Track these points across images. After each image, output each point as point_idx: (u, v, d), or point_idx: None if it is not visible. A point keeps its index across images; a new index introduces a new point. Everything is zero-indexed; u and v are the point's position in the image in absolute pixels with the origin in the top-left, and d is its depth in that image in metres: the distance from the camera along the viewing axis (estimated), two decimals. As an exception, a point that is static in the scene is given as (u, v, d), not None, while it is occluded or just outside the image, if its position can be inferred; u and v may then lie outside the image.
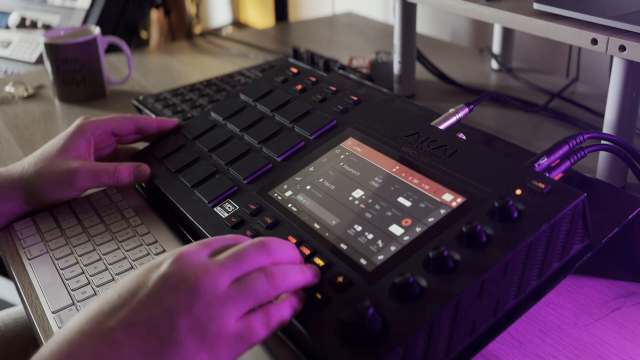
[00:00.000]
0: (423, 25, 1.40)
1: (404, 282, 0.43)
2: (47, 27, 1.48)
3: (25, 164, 0.66)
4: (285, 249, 0.46)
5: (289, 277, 0.44)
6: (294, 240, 0.52)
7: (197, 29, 1.93)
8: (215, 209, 0.60)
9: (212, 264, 0.41)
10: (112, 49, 1.16)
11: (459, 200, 0.50)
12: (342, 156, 0.61)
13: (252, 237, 0.53)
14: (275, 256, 0.44)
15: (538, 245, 0.46)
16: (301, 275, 0.45)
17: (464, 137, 0.59)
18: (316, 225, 0.54)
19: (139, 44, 1.63)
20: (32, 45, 1.43)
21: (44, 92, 1.10)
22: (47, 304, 0.55)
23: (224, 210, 0.59)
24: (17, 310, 0.79)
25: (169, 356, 0.38)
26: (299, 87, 0.74)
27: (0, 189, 0.64)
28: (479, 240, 0.45)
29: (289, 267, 0.45)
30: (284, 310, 0.43)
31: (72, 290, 0.56)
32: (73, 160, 0.65)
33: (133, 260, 0.59)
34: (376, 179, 0.56)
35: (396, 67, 0.97)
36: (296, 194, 0.58)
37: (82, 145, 0.67)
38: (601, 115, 0.71)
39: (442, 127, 0.64)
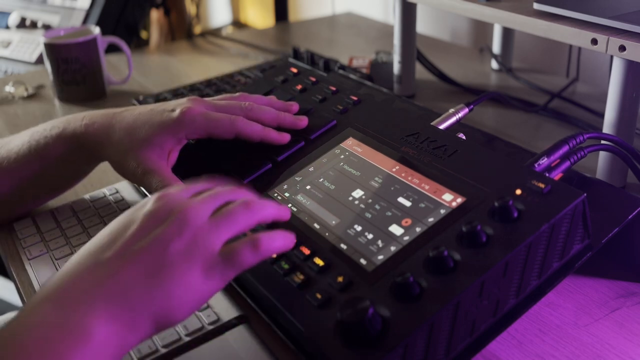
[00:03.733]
0: (423, 25, 1.40)
1: (404, 282, 0.43)
2: (47, 27, 1.48)
3: (117, 135, 0.62)
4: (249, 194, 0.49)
5: (265, 208, 0.47)
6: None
7: (197, 29, 1.93)
8: (215, 209, 0.60)
9: (194, 200, 0.44)
10: (112, 49, 1.16)
11: (459, 200, 0.50)
12: (342, 156, 0.61)
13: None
14: (246, 195, 0.48)
15: (538, 245, 0.46)
16: (276, 210, 0.49)
17: (464, 137, 0.59)
18: (316, 225, 0.54)
19: (139, 44, 1.63)
20: (32, 45, 1.43)
21: (44, 92, 1.10)
22: (47, 304, 0.55)
23: (224, 210, 0.59)
24: None
25: (164, 279, 0.40)
26: (299, 87, 0.74)
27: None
28: (479, 240, 0.45)
29: (265, 201, 0.48)
30: (275, 239, 0.46)
31: (72, 290, 0.56)
32: (147, 160, 0.61)
33: (133, 260, 0.59)
34: (376, 179, 0.56)
35: (396, 67, 0.97)
36: (296, 194, 0.58)
37: (169, 143, 0.62)
38: (601, 115, 0.71)
39: (442, 127, 0.64)
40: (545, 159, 0.55)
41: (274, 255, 0.52)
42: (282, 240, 0.46)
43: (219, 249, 0.43)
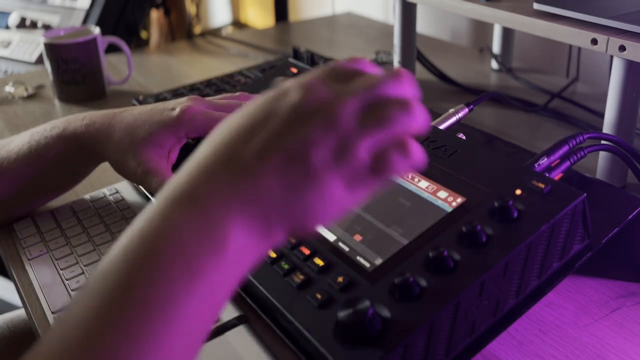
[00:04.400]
0: (423, 25, 1.40)
1: (404, 282, 0.43)
2: (47, 27, 1.48)
3: (117, 135, 0.62)
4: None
5: (425, 115, 0.39)
6: (294, 241, 0.52)
7: (197, 29, 1.93)
8: (215, 209, 0.60)
9: (344, 94, 0.38)
10: (112, 49, 1.16)
11: (459, 200, 0.50)
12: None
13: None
14: (408, 89, 0.40)
15: (538, 245, 0.46)
16: (428, 119, 0.40)
17: (464, 137, 0.59)
18: (316, 225, 0.54)
19: (139, 44, 1.63)
20: (32, 45, 1.43)
21: (44, 92, 1.10)
22: (47, 304, 0.55)
23: (224, 210, 0.59)
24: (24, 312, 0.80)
25: (305, 190, 0.36)
26: (299, 87, 0.74)
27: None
28: (479, 240, 0.45)
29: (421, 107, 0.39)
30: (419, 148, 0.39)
31: (72, 290, 0.56)
32: (147, 159, 0.61)
33: (133, 260, 0.59)
34: (376, 179, 0.56)
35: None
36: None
37: (169, 142, 0.62)
38: (601, 115, 0.71)
39: (442, 127, 0.64)
40: (545, 159, 0.55)
41: (274, 255, 0.52)
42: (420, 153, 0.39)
43: (366, 157, 0.37)
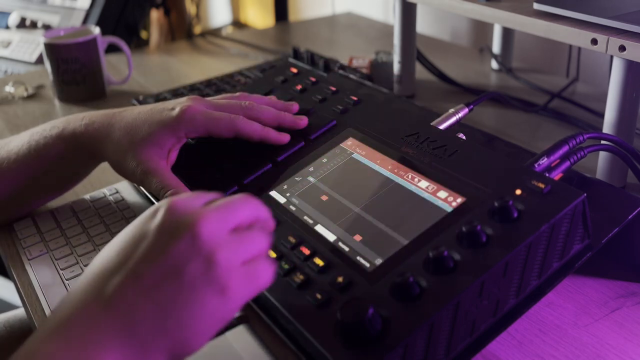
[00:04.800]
0: (423, 25, 1.40)
1: (404, 282, 0.43)
2: (47, 27, 1.48)
3: (116, 134, 0.62)
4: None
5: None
6: (294, 241, 0.52)
7: (197, 29, 1.93)
8: (215, 209, 0.60)
9: (207, 210, 0.40)
10: (112, 49, 1.16)
11: (459, 200, 0.50)
12: (342, 156, 0.61)
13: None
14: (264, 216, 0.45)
15: (538, 245, 0.46)
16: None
17: (464, 137, 0.59)
18: (316, 226, 0.54)
19: (139, 44, 1.63)
20: (32, 45, 1.43)
21: (44, 92, 1.10)
22: (47, 304, 0.55)
23: (224, 210, 0.59)
24: (23, 312, 0.79)
25: (178, 309, 0.37)
26: (299, 87, 0.74)
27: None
28: (479, 240, 0.45)
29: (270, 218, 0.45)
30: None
31: (72, 290, 0.56)
32: (146, 159, 0.61)
33: (133, 260, 0.59)
34: (376, 179, 0.56)
35: (396, 67, 0.97)
36: (296, 194, 0.58)
37: (169, 142, 0.62)
38: (601, 115, 0.71)
39: (442, 127, 0.64)
40: (545, 159, 0.55)
41: (274, 255, 0.52)
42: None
43: (239, 269, 0.39)
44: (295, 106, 0.69)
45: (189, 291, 0.37)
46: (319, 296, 0.46)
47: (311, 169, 0.61)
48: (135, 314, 0.37)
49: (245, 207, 0.43)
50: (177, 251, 0.38)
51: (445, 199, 0.51)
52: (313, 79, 0.75)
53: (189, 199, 0.42)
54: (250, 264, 0.41)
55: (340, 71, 0.96)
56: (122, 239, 0.41)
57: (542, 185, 0.48)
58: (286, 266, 0.50)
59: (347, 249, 0.50)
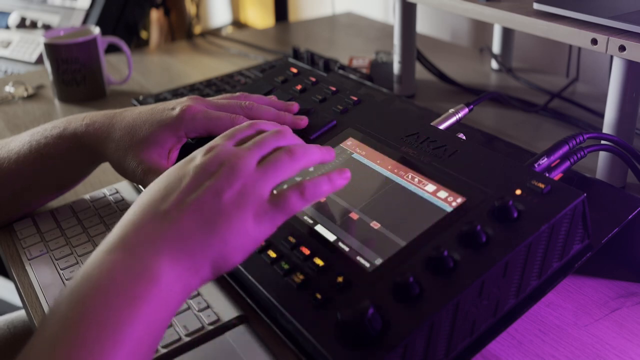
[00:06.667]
0: (423, 25, 1.40)
1: (404, 282, 0.43)
2: (47, 27, 1.48)
3: (117, 134, 0.62)
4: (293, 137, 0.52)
5: (309, 154, 0.50)
6: (294, 241, 0.52)
7: (197, 29, 1.93)
8: (215, 209, 0.60)
9: (241, 149, 0.48)
10: (112, 49, 1.16)
11: (459, 200, 0.50)
12: (342, 156, 0.61)
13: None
14: (291, 140, 0.51)
15: (538, 246, 0.46)
16: (319, 155, 0.51)
17: (464, 137, 0.59)
18: (316, 226, 0.54)
19: (139, 44, 1.63)
20: (32, 45, 1.43)
21: (44, 92, 1.10)
22: (47, 304, 0.55)
23: (224, 210, 0.59)
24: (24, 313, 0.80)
25: (219, 226, 0.43)
26: (299, 87, 0.74)
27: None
28: (479, 240, 0.45)
29: (309, 145, 0.51)
30: (321, 184, 0.48)
31: (72, 290, 0.56)
32: (147, 159, 0.61)
33: (133, 260, 0.59)
34: (376, 179, 0.56)
35: (396, 67, 0.97)
36: (296, 194, 0.58)
37: (169, 142, 0.62)
38: (601, 115, 0.71)
39: (442, 127, 0.64)
40: (545, 159, 0.55)
41: (274, 255, 0.52)
42: (327, 184, 0.49)
43: (267, 196, 0.46)
44: (295, 106, 0.69)
45: (226, 214, 0.44)
46: (318, 296, 0.46)
47: (311, 169, 0.61)
48: (184, 228, 0.43)
49: (276, 141, 0.50)
50: (215, 184, 0.45)
51: (445, 199, 0.51)
52: (313, 79, 0.75)
53: (226, 141, 0.49)
54: (281, 189, 0.47)
55: (340, 71, 0.97)
56: (164, 179, 0.47)
57: (542, 185, 0.48)
58: (286, 266, 0.50)
59: (347, 249, 0.50)
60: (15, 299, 1.42)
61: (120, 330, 0.38)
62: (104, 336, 0.37)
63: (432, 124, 0.63)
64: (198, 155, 0.48)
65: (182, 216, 0.43)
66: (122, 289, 0.39)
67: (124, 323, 0.38)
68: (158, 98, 0.92)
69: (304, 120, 0.67)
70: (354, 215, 0.53)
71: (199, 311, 0.53)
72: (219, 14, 2.40)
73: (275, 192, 0.47)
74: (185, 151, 0.65)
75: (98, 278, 0.40)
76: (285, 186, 0.48)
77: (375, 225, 0.52)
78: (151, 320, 0.40)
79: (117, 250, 0.42)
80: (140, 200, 0.46)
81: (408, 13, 0.93)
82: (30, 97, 1.07)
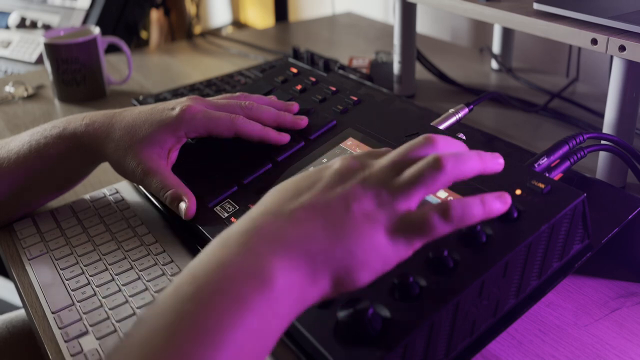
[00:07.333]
0: (423, 25, 1.40)
1: (404, 282, 0.43)
2: (47, 27, 1.48)
3: (117, 134, 0.62)
4: (454, 145, 0.45)
5: (463, 164, 0.42)
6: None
7: (197, 29, 1.93)
8: (215, 209, 0.60)
9: (381, 161, 0.44)
10: (112, 49, 1.16)
11: (459, 200, 0.50)
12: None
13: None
14: (443, 146, 0.44)
15: (538, 246, 0.46)
16: (478, 162, 0.43)
17: (464, 137, 0.59)
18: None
19: (139, 44, 1.63)
20: (32, 45, 1.43)
21: (43, 92, 1.10)
22: (47, 304, 0.55)
23: (224, 211, 0.59)
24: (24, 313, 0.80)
25: (346, 234, 0.39)
26: (299, 87, 0.74)
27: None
28: (479, 240, 0.45)
29: (464, 153, 0.43)
30: (471, 205, 0.41)
31: (72, 290, 0.56)
32: (147, 159, 0.61)
33: (133, 261, 0.59)
34: (376, 179, 0.56)
35: (396, 67, 0.97)
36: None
37: (169, 142, 0.62)
38: (601, 115, 0.71)
39: (442, 127, 0.64)
40: (545, 159, 0.55)
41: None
42: (478, 208, 0.41)
43: (403, 212, 0.41)
44: (295, 106, 0.69)
45: (355, 223, 0.40)
46: (319, 296, 0.46)
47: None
48: (308, 230, 0.39)
49: (426, 148, 0.44)
50: (349, 190, 0.41)
51: (445, 199, 0.51)
52: (313, 79, 0.75)
53: (366, 153, 0.46)
54: (422, 209, 0.41)
55: (340, 71, 0.97)
56: (299, 179, 0.44)
57: (542, 185, 0.48)
58: (286, 266, 0.50)
59: (347, 249, 0.50)
60: (15, 299, 1.42)
61: (224, 337, 0.35)
62: (204, 343, 0.34)
63: (432, 124, 0.63)
64: (337, 162, 0.44)
65: (306, 217, 0.40)
66: (232, 286, 0.36)
67: (228, 330, 0.35)
68: (158, 98, 0.92)
69: (304, 120, 0.67)
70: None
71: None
72: (219, 14, 2.40)
73: (416, 210, 0.41)
74: (185, 151, 0.65)
75: (211, 268, 0.37)
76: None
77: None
78: (260, 329, 0.36)
79: (232, 246, 0.39)
80: (264, 199, 0.43)
81: (408, 13, 0.93)
82: (30, 97, 1.07)
